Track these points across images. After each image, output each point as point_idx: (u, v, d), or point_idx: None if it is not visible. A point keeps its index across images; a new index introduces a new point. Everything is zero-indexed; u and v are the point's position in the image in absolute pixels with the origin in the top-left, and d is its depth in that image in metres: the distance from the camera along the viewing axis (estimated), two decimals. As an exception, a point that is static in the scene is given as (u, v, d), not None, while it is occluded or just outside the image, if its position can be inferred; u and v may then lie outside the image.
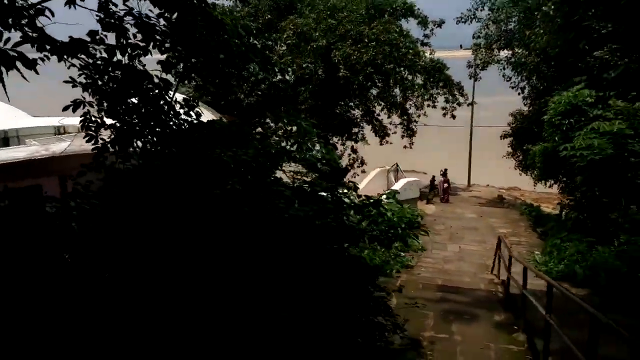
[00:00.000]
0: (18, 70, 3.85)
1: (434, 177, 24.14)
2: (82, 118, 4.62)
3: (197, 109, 5.11)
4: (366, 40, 20.16)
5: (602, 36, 13.36)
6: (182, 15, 4.50)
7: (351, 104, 23.97)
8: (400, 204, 13.54)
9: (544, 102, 15.24)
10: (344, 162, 24.49)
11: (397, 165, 23.78)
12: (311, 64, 21.30)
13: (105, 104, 4.53)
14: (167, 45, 4.73)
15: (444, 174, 23.74)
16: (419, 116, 24.11)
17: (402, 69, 22.08)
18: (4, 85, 3.43)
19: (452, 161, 27.43)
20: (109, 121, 4.61)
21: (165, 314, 2.63)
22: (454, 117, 23.70)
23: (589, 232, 12.89)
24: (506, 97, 24.84)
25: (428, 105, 23.49)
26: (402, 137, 24.56)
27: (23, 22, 3.72)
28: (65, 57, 4.11)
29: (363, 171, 24.59)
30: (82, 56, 4.26)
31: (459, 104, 23.52)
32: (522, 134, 20.73)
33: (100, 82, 4.45)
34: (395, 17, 22.10)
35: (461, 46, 25.43)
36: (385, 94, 23.24)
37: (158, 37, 4.46)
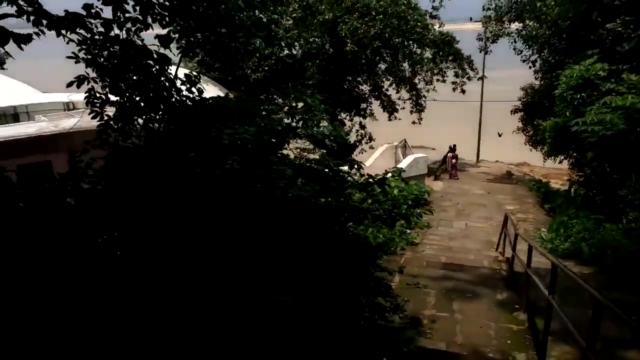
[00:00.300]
0: (19, 46, 3.81)
1: (448, 152, 23.88)
2: (87, 94, 4.59)
3: (199, 85, 5.04)
4: (373, 13, 19.75)
5: (615, 8, 12.96)
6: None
7: (359, 79, 23.63)
8: (406, 182, 13.45)
9: (556, 75, 14.92)
10: (352, 138, 24.36)
11: (405, 141, 23.58)
12: (318, 38, 20.97)
13: (105, 80, 4.49)
14: (166, 19, 4.65)
15: (453, 149, 23.52)
16: (428, 91, 23.76)
17: (410, 42, 21.69)
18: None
19: (461, 137, 27.15)
20: (114, 98, 4.57)
21: (161, 294, 2.63)
22: (463, 91, 23.34)
23: (597, 210, 12.76)
24: (517, 71, 24.35)
25: (437, 80, 23.13)
26: (411, 112, 24.27)
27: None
28: (63, 32, 4.06)
29: (371, 147, 24.43)
30: (81, 31, 4.19)
31: (469, 78, 23.13)
32: (533, 108, 20.41)
33: (99, 58, 4.38)
34: (403, -12, 21.56)
35: (471, 19, 24.84)
36: (393, 69, 22.90)
37: (156, 10, 4.38)
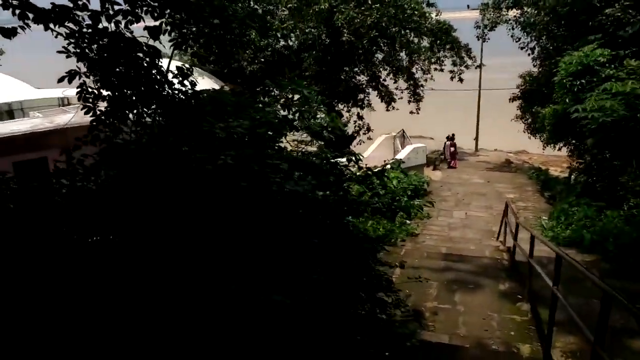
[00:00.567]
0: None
1: (446, 141, 23.75)
2: (79, 89, 4.47)
3: (191, 78, 4.92)
4: (370, 2, 19.53)
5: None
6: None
7: (356, 69, 23.43)
8: (405, 173, 13.37)
9: (554, 62, 14.78)
10: (350, 129, 24.24)
11: (404, 132, 23.45)
12: (314, 28, 20.75)
13: (96, 75, 4.37)
14: (157, 11, 4.52)
15: (451, 138, 23.42)
16: (425, 80, 23.59)
17: (407, 31, 21.48)
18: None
19: (460, 126, 27.03)
20: (106, 92, 4.46)
21: (154, 296, 2.54)
22: (461, 80, 23.20)
23: (598, 197, 12.70)
24: (515, 58, 24.16)
25: (435, 69, 22.97)
26: (409, 102, 24.12)
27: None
28: (51, 25, 3.94)
29: (369, 138, 24.32)
30: (70, 24, 4.07)
31: (467, 67, 22.96)
32: (532, 96, 20.28)
33: (88, 51, 4.26)
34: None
35: (468, 6, 24.56)
36: (390, 59, 22.71)
37: (145, 2, 4.25)
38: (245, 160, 3.07)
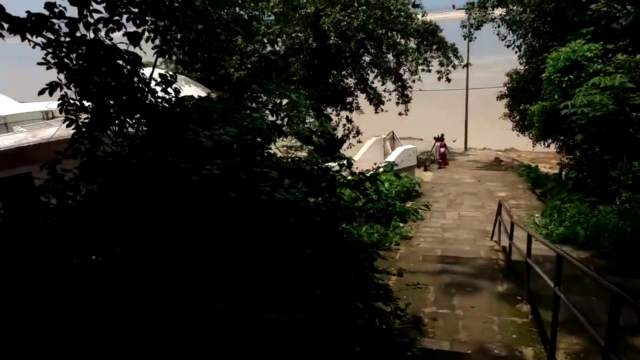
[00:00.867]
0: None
1: (436, 142, 23.76)
2: (60, 102, 4.30)
3: (175, 85, 4.77)
4: (356, 5, 19.48)
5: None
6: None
7: (344, 72, 23.37)
8: (398, 175, 13.28)
9: (541, 59, 14.79)
10: (339, 132, 24.17)
11: (393, 133, 23.43)
12: (301, 32, 20.66)
13: (76, 85, 4.20)
14: (139, 18, 4.37)
15: (441, 138, 23.43)
16: (413, 81, 23.61)
17: (394, 33, 21.49)
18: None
19: (449, 126, 27.07)
20: (87, 103, 4.29)
21: (134, 318, 2.37)
22: (449, 80, 23.28)
23: (590, 192, 12.70)
24: (502, 57, 24.27)
25: (422, 70, 22.99)
26: (397, 104, 24.15)
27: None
28: (27, 35, 3.77)
29: (359, 141, 24.26)
30: (48, 34, 3.90)
31: (454, 67, 23.04)
32: (519, 94, 20.36)
33: (67, 61, 4.09)
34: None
35: (454, 6, 24.58)
36: (378, 61, 22.67)
37: (124, 9, 4.09)
38: (232, 169, 2.92)
